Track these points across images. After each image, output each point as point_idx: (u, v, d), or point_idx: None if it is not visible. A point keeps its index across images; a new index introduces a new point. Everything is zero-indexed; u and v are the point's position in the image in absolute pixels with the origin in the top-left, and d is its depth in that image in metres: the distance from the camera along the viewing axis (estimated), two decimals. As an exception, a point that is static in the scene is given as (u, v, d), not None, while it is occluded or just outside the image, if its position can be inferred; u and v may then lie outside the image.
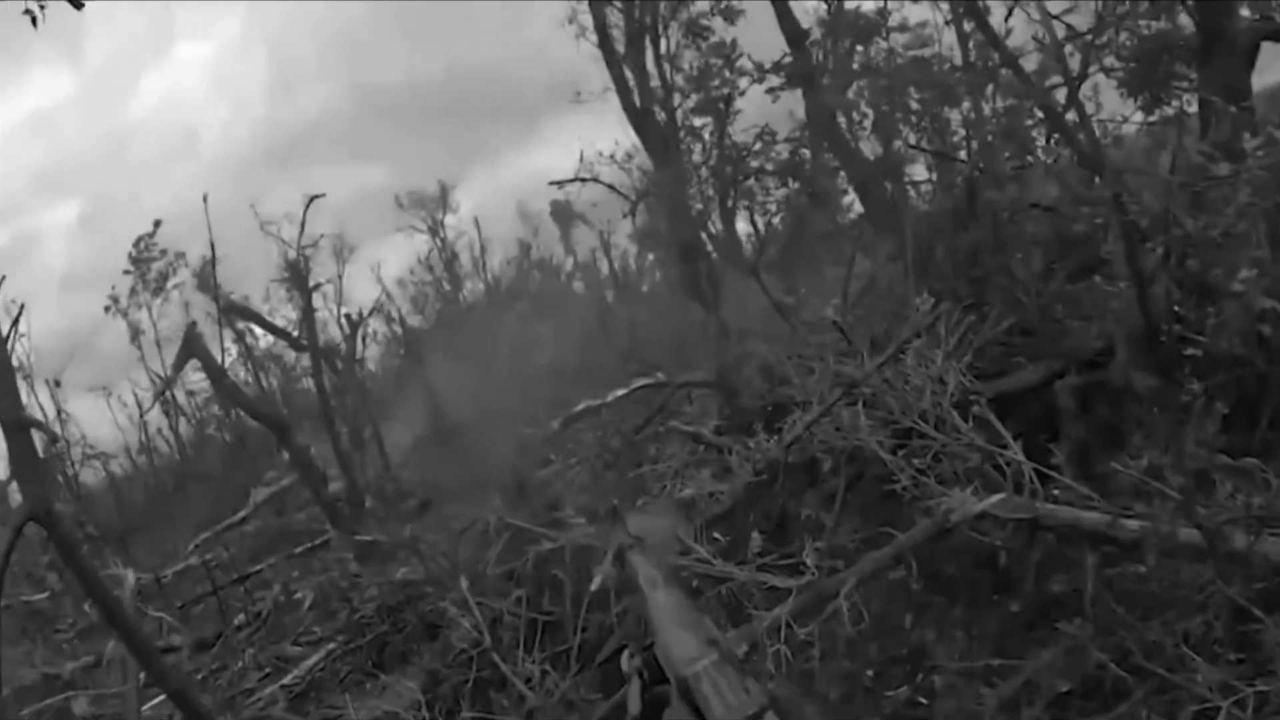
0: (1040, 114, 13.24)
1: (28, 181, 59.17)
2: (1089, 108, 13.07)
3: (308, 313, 20.15)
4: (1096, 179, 10.59)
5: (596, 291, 41.51)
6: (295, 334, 21.14)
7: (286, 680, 10.64)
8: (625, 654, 6.70)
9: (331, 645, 11.10)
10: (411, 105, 62.95)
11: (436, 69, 62.24)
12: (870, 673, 6.89)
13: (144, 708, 7.72)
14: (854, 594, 6.48)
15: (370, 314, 28.05)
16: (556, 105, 54.94)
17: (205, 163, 57.91)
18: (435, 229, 45.74)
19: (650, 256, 41.11)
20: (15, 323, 8.45)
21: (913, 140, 19.08)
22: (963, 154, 13.69)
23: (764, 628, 6.38)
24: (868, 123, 20.17)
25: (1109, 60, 13.71)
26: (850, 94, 20.12)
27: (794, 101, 21.49)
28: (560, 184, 23.40)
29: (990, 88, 16.21)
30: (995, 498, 6.54)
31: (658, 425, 10.22)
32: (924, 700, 6.56)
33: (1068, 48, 13.07)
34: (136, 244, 35.18)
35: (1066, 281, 9.78)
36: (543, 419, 12.11)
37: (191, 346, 18.17)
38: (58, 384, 34.08)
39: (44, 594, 22.28)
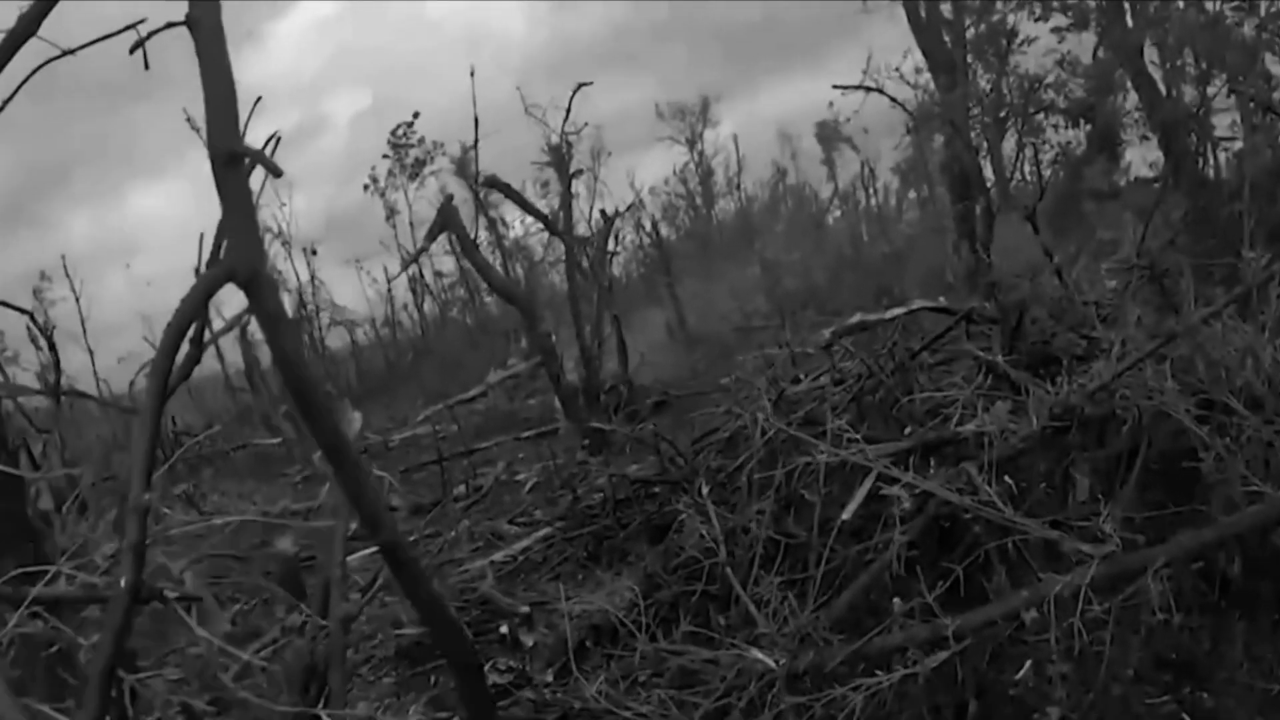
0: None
1: (326, 68, 62.40)
2: None
3: (566, 197, 19.86)
4: None
5: (853, 221, 40.32)
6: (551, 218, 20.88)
7: (497, 557, 10.32)
8: None
9: (549, 530, 10.75)
10: (688, 23, 62.93)
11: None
12: (1130, 672, 5.91)
13: (351, 557, 7.39)
14: (1161, 575, 5.56)
15: (626, 211, 27.77)
16: (829, 35, 53.80)
17: (490, 67, 60.03)
18: (693, 141, 45.55)
19: (912, 193, 39.80)
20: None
21: (1225, 91, 17.35)
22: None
23: (1053, 593, 5.50)
24: (1179, 64, 18.39)
25: None
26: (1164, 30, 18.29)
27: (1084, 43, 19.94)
28: (844, 89, 22.55)
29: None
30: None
31: (934, 351, 9.29)
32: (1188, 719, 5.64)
33: None
34: (394, 131, 36.62)
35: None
36: (796, 336, 11.29)
37: (446, 219, 18.11)
38: (314, 252, 35.73)
39: (277, 440, 23.22)
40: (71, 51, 6.15)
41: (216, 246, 7.33)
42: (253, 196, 3.96)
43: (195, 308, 3.96)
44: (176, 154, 66.00)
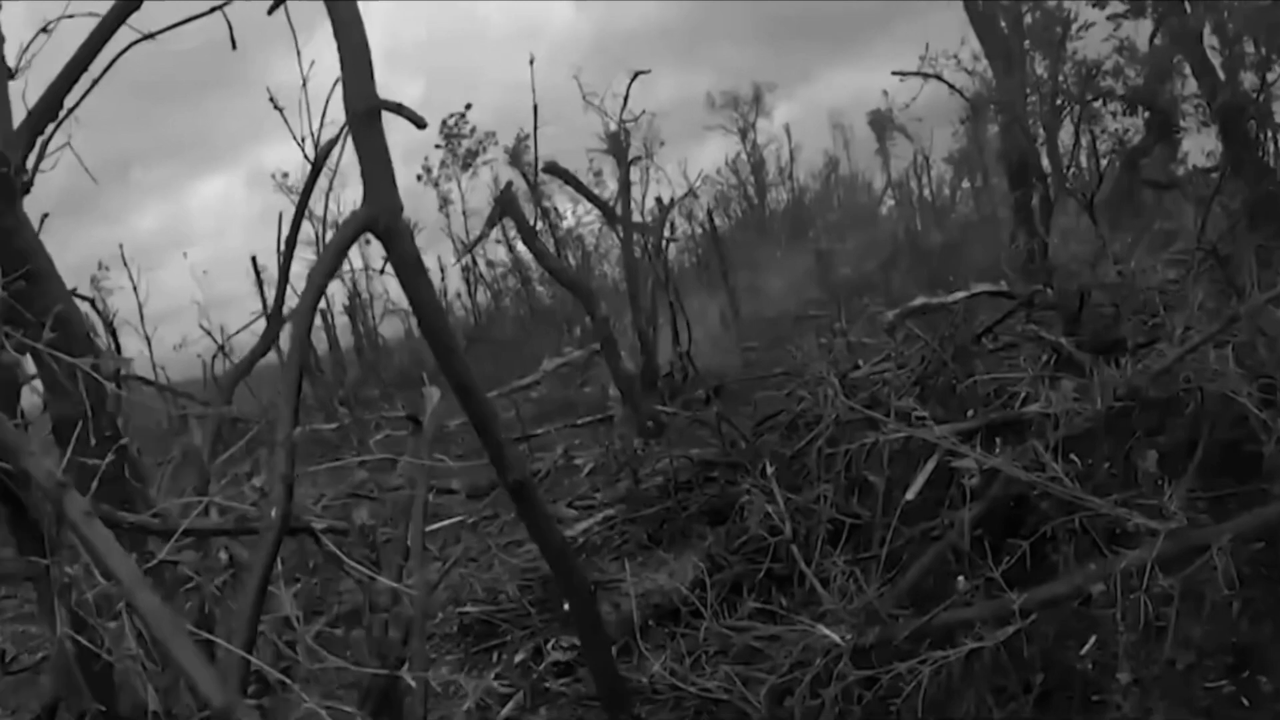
0: None
1: (381, 60, 62.99)
2: None
3: (624, 185, 19.93)
4: None
5: (906, 211, 40.18)
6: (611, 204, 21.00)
7: (558, 539, 10.40)
8: None
9: (609, 511, 10.84)
10: (740, 13, 62.86)
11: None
12: (1193, 653, 5.92)
13: (429, 528, 7.55)
14: (1227, 550, 5.59)
15: (684, 198, 27.88)
16: (881, 23, 53.53)
17: (544, 58, 60.40)
18: (745, 131, 45.50)
19: (965, 183, 39.59)
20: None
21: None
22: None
23: (1120, 569, 5.55)
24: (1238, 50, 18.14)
25: None
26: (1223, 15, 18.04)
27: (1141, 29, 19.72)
28: (903, 75, 22.54)
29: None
30: None
31: (996, 334, 9.34)
32: (1246, 702, 5.59)
33: None
34: (446, 121, 37.24)
35: None
36: (853, 325, 11.36)
37: (506, 205, 18.22)
38: (367, 242, 35.85)
39: (334, 425, 23.50)
40: (152, 35, 6.35)
41: (296, 227, 7.58)
42: (388, 149, 4.10)
43: (339, 253, 4.17)
44: (228, 147, 66.85)
